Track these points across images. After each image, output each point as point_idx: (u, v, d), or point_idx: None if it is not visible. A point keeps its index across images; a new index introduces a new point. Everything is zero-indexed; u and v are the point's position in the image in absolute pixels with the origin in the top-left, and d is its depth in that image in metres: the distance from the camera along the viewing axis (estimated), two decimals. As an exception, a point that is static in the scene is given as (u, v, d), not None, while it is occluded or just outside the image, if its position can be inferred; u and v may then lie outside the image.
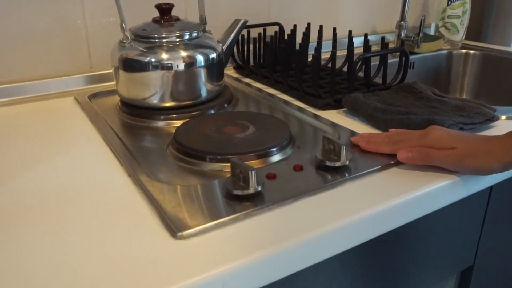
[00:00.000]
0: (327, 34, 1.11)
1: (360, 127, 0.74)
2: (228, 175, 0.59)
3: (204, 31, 0.85)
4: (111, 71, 0.86)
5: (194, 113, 0.80)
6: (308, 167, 0.60)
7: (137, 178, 0.58)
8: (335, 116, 0.80)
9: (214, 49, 0.83)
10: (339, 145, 0.58)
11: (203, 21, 0.86)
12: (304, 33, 1.03)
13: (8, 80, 0.92)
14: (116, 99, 0.89)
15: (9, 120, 0.82)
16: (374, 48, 0.97)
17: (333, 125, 0.74)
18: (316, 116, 0.79)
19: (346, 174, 0.58)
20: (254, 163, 0.62)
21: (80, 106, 0.87)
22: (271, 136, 0.67)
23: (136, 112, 0.81)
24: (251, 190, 0.52)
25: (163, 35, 0.79)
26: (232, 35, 0.89)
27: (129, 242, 0.47)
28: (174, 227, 0.48)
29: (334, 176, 0.58)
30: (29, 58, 0.93)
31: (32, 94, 0.92)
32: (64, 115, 0.83)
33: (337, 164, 0.59)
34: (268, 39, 1.00)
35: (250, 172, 0.51)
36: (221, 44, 0.86)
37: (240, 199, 0.52)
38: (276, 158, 0.64)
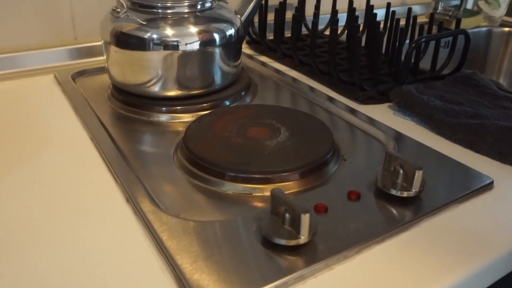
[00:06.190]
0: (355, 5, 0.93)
1: (416, 130, 0.59)
2: (261, 203, 0.44)
3: (218, -1, 0.68)
4: (100, 43, 0.69)
5: (205, 104, 0.64)
6: (365, 193, 0.45)
7: (138, 205, 0.43)
8: (378, 112, 0.64)
9: (231, 23, 0.65)
10: (413, 169, 0.43)
11: (217, -14, 0.69)
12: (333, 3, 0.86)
13: (-29, 52, 0.74)
14: (106, 79, 0.72)
15: (-29, 105, 0.65)
16: (397, 19, 0.80)
17: (377, 125, 0.59)
18: (354, 112, 0.64)
19: (421, 209, 0.43)
20: (293, 184, 0.47)
21: (61, 89, 0.70)
22: (312, 145, 0.52)
23: (132, 101, 0.64)
24: (303, 240, 0.37)
25: (168, 4, 0.62)
26: (252, 4, 0.71)
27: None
28: (195, 300, 0.33)
29: (402, 211, 0.43)
30: (-3, 25, 0.75)
31: (0, 71, 0.74)
32: (40, 101, 0.66)
33: (406, 194, 0.44)
34: (289, 9, 0.83)
35: (303, 216, 0.36)
36: (239, 16, 0.69)
37: (284, 251, 0.37)
38: (321, 177, 0.49)
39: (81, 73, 0.76)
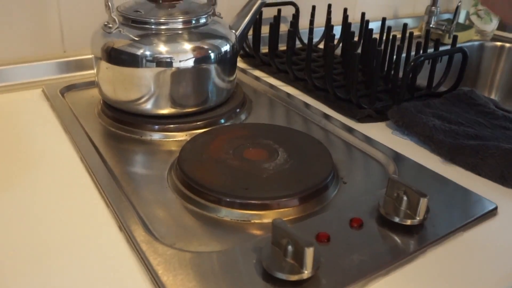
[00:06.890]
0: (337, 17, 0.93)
1: (415, 151, 0.58)
2: (260, 231, 0.42)
3: (213, 14, 0.66)
4: (90, 56, 0.67)
5: (199, 123, 0.62)
6: (368, 220, 0.44)
7: (132, 234, 0.41)
8: (376, 131, 0.63)
9: (227, 39, 0.64)
10: (418, 196, 0.42)
11: (212, 1, 0.67)
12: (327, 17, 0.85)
13: (-45, 65, 0.71)
14: (96, 94, 0.69)
15: (-46, 122, 0.63)
16: (394, 35, 0.79)
17: (376, 144, 0.58)
18: (351, 130, 0.62)
19: (425, 238, 0.42)
20: (293, 210, 0.46)
21: (50, 104, 0.68)
22: (311, 168, 0.50)
23: (123, 118, 0.62)
24: (306, 275, 0.35)
25: (162, 20, 0.60)
26: (247, 18, 0.70)
27: None
28: None
29: (406, 240, 0.42)
30: (-18, 38, 0.72)
31: (-14, 85, 0.72)
32: (27, 117, 0.64)
33: (409, 222, 0.42)
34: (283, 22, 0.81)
35: (307, 249, 0.35)
36: (233, 31, 0.67)
37: (286, 286, 0.36)
38: (321, 202, 0.47)
39: (70, 88, 0.74)
